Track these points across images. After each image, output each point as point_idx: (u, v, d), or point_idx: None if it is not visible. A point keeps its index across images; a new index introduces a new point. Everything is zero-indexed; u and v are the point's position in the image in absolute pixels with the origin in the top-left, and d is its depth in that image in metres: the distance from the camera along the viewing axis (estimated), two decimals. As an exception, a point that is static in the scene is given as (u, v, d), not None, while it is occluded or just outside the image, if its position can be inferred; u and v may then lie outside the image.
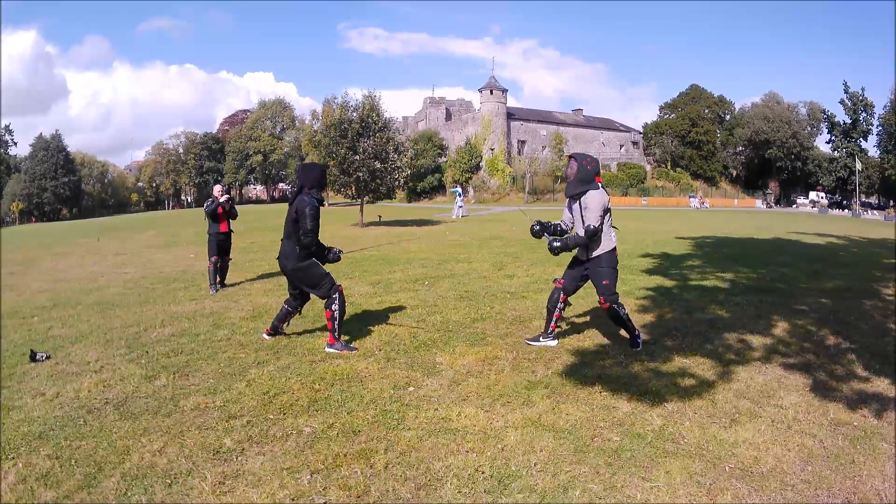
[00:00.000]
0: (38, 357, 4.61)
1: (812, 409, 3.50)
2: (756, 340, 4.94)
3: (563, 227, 4.74)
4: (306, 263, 4.73)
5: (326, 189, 4.41)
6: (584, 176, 4.49)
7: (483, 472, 2.77)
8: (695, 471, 2.78)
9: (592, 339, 5.06)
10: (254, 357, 4.62)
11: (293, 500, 2.57)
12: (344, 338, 4.92)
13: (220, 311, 6.38)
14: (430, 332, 5.27)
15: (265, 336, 5.13)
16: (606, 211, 4.51)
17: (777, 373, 4.14)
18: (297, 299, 5.00)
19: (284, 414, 3.47)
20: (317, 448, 3.03)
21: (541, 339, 4.87)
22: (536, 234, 4.77)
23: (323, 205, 4.99)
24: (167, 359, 4.61)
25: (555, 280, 4.88)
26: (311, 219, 4.57)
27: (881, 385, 3.87)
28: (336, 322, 4.69)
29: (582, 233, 4.46)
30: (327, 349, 4.72)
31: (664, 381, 3.95)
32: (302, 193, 4.69)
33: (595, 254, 4.55)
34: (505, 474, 2.75)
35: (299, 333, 5.29)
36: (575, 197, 4.57)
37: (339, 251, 5.04)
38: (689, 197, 51.38)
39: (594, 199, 4.41)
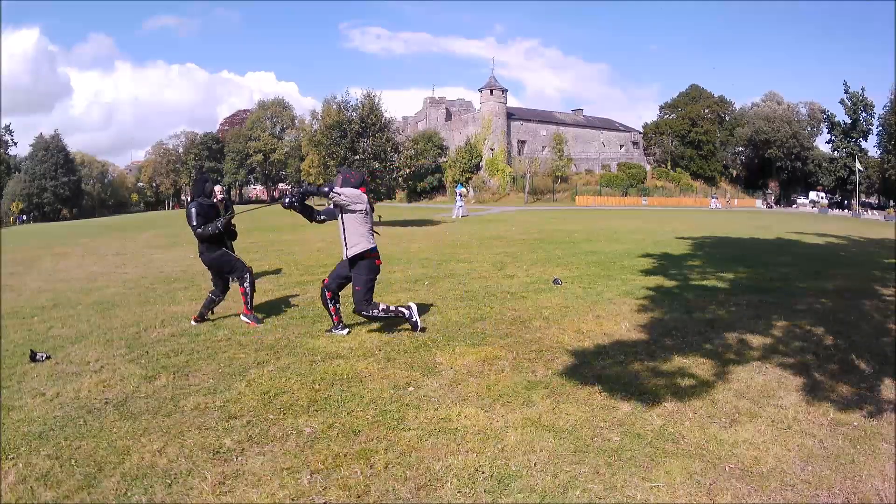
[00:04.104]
0: (38, 357, 4.62)
1: (812, 409, 3.50)
2: (756, 340, 4.94)
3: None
4: (218, 253, 5.71)
5: (212, 194, 5.56)
6: (349, 183, 5.00)
7: (483, 472, 2.77)
8: (695, 471, 2.78)
9: (591, 339, 5.06)
10: (254, 357, 4.62)
11: (293, 500, 2.57)
12: (260, 315, 5.88)
13: (219, 311, 6.37)
14: (430, 332, 5.27)
15: (192, 322, 5.74)
16: (361, 210, 4.92)
17: (777, 373, 4.14)
18: (220, 286, 5.83)
19: (284, 414, 3.47)
20: (317, 448, 3.03)
21: (333, 330, 5.22)
22: (287, 207, 5.00)
23: (218, 206, 6.13)
24: (167, 359, 4.61)
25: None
26: (195, 217, 5.58)
27: (881, 385, 3.87)
28: (248, 296, 5.66)
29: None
30: (241, 317, 5.65)
31: (664, 381, 3.95)
32: (192, 201, 5.78)
33: (350, 254, 4.94)
34: (505, 474, 2.75)
35: (299, 334, 5.29)
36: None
37: (223, 218, 5.72)
38: (712, 198, 51.34)
39: (352, 190, 4.90)
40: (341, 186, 4.95)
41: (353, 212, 4.91)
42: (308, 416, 3.44)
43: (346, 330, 5.22)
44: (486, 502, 2.55)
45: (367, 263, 5.01)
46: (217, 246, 5.72)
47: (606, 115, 73.61)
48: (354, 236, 4.93)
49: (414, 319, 5.14)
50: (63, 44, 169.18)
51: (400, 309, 5.14)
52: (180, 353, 4.78)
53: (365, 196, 5.01)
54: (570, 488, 2.63)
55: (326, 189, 4.87)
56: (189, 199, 6.46)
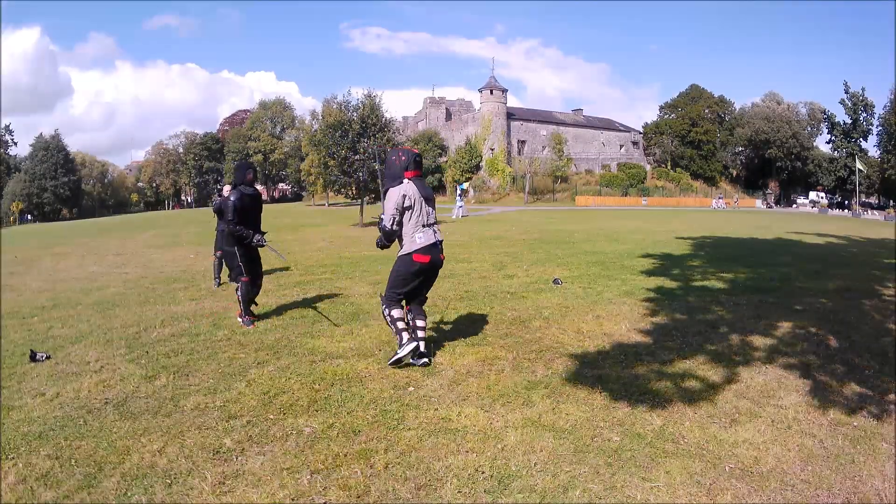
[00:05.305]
0: (38, 357, 4.62)
1: (812, 409, 3.50)
2: (756, 340, 4.94)
3: None
4: (231, 250, 5.88)
5: (257, 180, 5.39)
6: (391, 172, 4.36)
7: (483, 472, 2.77)
8: (695, 471, 2.78)
9: (592, 339, 5.06)
10: (254, 357, 4.62)
11: (293, 500, 2.57)
12: (252, 317, 5.90)
13: (220, 311, 6.38)
14: (429, 332, 5.26)
15: (240, 321, 5.83)
16: (406, 209, 4.25)
17: (777, 373, 4.14)
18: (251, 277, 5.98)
19: (284, 414, 3.47)
20: (317, 448, 3.03)
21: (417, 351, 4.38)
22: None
23: (259, 193, 6.07)
24: (167, 359, 4.61)
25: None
26: (231, 212, 5.67)
27: (881, 385, 3.87)
28: (241, 303, 5.79)
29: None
30: (237, 319, 5.78)
31: (664, 382, 3.95)
32: (233, 190, 5.80)
33: (399, 254, 4.40)
34: (505, 474, 2.75)
35: (299, 334, 5.29)
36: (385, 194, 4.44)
37: (261, 238, 5.85)
38: (717, 198, 51.33)
39: (389, 198, 4.27)
40: (386, 172, 4.38)
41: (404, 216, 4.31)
42: (308, 416, 3.44)
43: (424, 358, 4.33)
44: (486, 502, 2.55)
45: (404, 258, 4.34)
46: (237, 244, 5.84)
47: (606, 115, 73.69)
48: (404, 237, 4.34)
49: (399, 354, 4.25)
50: (64, 43, 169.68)
51: (403, 335, 4.30)
52: (180, 353, 4.78)
53: (409, 187, 4.24)
54: (570, 488, 2.63)
55: (379, 222, 4.36)
56: (230, 186, 6.28)
